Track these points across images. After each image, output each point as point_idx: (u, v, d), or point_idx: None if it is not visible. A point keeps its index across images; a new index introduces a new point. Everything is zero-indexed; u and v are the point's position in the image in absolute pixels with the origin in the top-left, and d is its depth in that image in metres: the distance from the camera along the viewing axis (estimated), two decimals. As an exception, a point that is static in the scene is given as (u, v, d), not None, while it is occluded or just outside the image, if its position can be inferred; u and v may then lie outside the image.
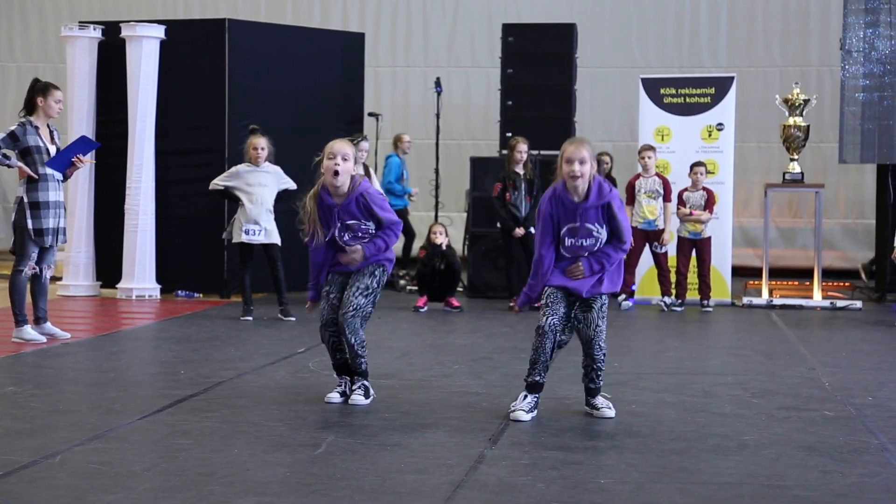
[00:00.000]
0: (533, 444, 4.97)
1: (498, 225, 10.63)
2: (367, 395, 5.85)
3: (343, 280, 5.91)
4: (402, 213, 12.17)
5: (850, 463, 4.69)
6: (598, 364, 5.59)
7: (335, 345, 5.88)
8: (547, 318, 5.49)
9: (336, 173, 5.78)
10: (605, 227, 5.52)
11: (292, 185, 9.49)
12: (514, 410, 5.50)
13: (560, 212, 5.51)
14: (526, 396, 5.54)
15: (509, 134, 11.70)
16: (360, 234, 5.86)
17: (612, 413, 5.56)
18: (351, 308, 5.77)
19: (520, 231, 10.38)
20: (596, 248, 5.52)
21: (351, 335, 5.76)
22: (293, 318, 9.27)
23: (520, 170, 10.45)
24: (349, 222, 5.84)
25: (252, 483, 4.26)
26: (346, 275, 5.90)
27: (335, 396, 5.88)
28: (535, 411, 5.53)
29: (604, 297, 5.59)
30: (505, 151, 11.71)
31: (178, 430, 5.15)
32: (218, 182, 9.52)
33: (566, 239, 5.52)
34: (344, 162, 5.80)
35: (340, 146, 5.85)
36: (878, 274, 11.97)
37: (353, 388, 5.89)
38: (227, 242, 9.76)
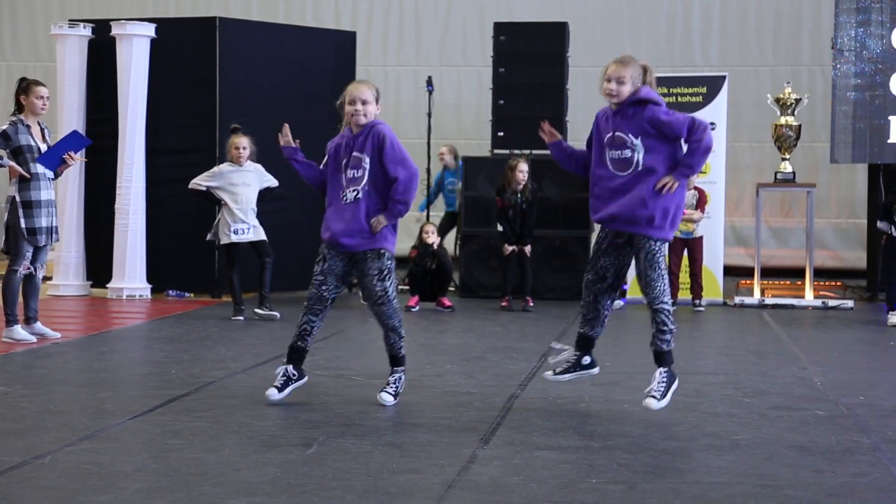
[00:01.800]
0: (525, 443, 4.96)
1: (500, 228, 10.62)
2: (395, 395, 5.81)
3: (341, 267, 5.77)
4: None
5: (841, 462, 4.69)
6: (658, 323, 5.52)
7: (306, 328, 5.78)
8: (585, 273, 5.65)
9: (358, 121, 5.68)
10: (649, 139, 5.45)
11: (274, 183, 9.49)
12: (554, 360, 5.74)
13: (602, 123, 5.56)
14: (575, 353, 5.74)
15: (501, 133, 11.70)
16: (357, 174, 5.69)
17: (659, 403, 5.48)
18: (377, 296, 5.72)
19: (508, 248, 10.41)
20: (635, 162, 5.44)
21: (390, 318, 5.73)
22: (276, 315, 9.24)
23: (518, 189, 10.41)
24: (355, 153, 5.71)
25: (243, 483, 4.25)
26: (345, 260, 5.77)
27: (274, 393, 5.75)
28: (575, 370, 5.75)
29: (651, 242, 5.45)
30: (497, 151, 11.72)
31: (168, 431, 5.13)
32: (199, 182, 9.45)
33: (606, 150, 5.52)
34: (364, 105, 5.68)
35: (359, 89, 5.70)
36: (869, 273, 11.99)
37: (390, 381, 5.83)
38: (217, 243, 9.72)
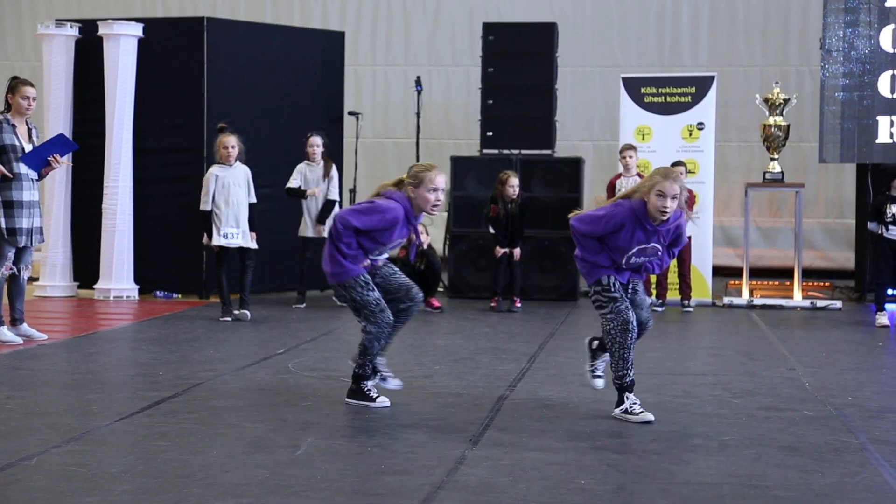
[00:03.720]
0: (514, 444, 4.95)
1: (491, 229, 10.62)
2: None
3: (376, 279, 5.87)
4: None
5: (830, 463, 4.69)
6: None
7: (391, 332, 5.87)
8: (629, 311, 5.53)
9: (435, 210, 5.73)
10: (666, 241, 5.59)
11: (253, 199, 9.45)
12: (640, 412, 5.50)
13: (635, 231, 5.47)
14: (629, 397, 5.56)
15: (490, 133, 11.69)
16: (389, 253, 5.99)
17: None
18: (414, 287, 5.90)
19: (499, 251, 10.44)
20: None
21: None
22: (247, 314, 9.26)
23: (509, 201, 10.42)
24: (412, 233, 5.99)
25: (231, 485, 4.23)
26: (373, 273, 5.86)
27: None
28: None
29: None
30: (486, 151, 11.72)
31: (156, 432, 5.10)
32: (205, 202, 9.34)
33: (632, 258, 5.54)
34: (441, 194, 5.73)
35: (443, 178, 5.71)
36: (858, 273, 12.02)
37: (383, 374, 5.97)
38: (207, 246, 9.69)
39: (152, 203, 11.09)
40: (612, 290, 5.55)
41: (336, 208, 10.36)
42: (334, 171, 10.49)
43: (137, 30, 10.96)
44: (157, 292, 11.05)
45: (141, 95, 10.93)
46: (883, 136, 11.22)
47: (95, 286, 10.88)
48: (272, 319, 9.47)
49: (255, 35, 11.62)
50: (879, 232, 9.73)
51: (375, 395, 5.80)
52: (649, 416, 5.45)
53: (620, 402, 5.54)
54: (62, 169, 9.88)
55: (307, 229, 10.41)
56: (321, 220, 10.33)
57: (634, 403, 5.51)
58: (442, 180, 5.69)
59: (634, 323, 5.53)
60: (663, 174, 5.46)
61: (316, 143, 10.43)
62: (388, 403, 5.76)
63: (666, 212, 5.41)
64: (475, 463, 4.62)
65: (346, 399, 5.84)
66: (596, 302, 5.59)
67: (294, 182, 10.34)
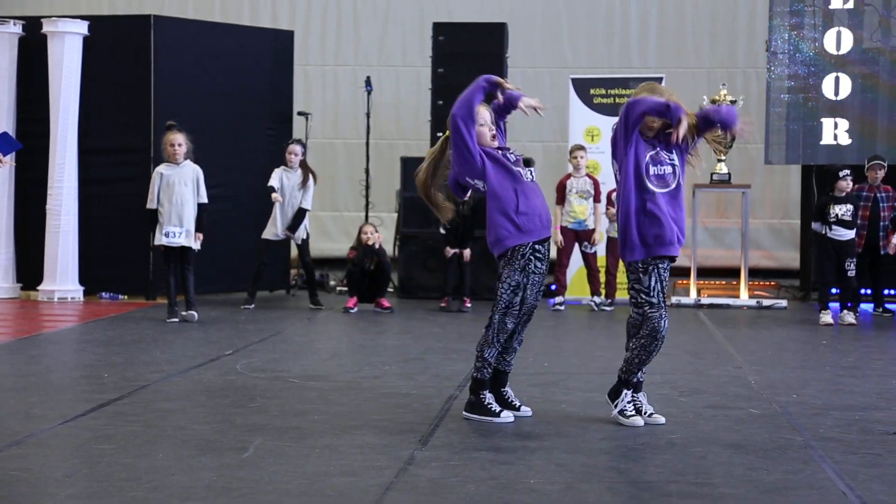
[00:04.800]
0: (463, 444, 4.95)
1: (442, 230, 10.61)
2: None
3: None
4: None
5: (774, 460, 4.73)
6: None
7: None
8: (666, 320, 5.38)
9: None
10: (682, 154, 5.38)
11: (203, 199, 9.37)
12: (651, 415, 5.40)
13: (639, 145, 5.32)
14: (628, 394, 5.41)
15: (440, 134, 11.66)
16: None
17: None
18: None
19: (449, 251, 10.41)
20: (676, 179, 5.34)
21: None
22: (194, 315, 9.18)
23: (461, 202, 10.42)
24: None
25: (177, 488, 4.18)
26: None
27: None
28: None
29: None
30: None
31: (100, 435, 5.04)
32: (152, 199, 9.27)
33: (650, 167, 5.31)
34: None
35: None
36: (802, 273, 12.17)
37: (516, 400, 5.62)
38: (151, 244, 9.61)
39: (98, 203, 10.96)
40: (651, 293, 5.42)
41: (306, 219, 10.42)
42: (311, 182, 10.51)
43: (83, 27, 10.83)
44: (103, 294, 10.93)
45: (86, 94, 10.80)
46: (827, 138, 11.37)
47: (39, 287, 10.74)
48: (220, 321, 9.39)
49: (204, 34, 11.53)
50: (823, 232, 9.86)
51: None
52: (639, 422, 5.37)
53: (617, 395, 5.44)
54: (5, 169, 9.74)
55: (272, 232, 10.42)
56: (292, 228, 10.37)
57: (629, 403, 5.42)
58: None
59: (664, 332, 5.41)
60: (646, 88, 5.42)
61: (295, 151, 10.52)
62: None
63: (653, 127, 5.34)
64: (424, 463, 4.61)
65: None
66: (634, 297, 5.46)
67: (272, 182, 10.40)
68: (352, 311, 10.11)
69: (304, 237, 10.57)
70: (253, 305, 10.33)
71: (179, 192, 9.24)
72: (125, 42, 11.03)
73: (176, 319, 9.17)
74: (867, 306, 10.55)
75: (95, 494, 4.09)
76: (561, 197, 10.77)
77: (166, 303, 9.44)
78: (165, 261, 9.36)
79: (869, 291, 10.56)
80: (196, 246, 9.31)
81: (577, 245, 10.81)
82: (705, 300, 11.20)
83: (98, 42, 10.88)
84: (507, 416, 5.42)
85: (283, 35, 12.35)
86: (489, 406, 5.43)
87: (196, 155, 9.51)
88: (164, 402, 5.81)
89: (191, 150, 9.37)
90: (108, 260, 10.96)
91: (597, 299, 10.73)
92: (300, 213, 10.43)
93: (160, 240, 9.22)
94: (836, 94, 11.33)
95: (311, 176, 10.51)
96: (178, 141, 9.30)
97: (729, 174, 11.57)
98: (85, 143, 10.86)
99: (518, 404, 5.54)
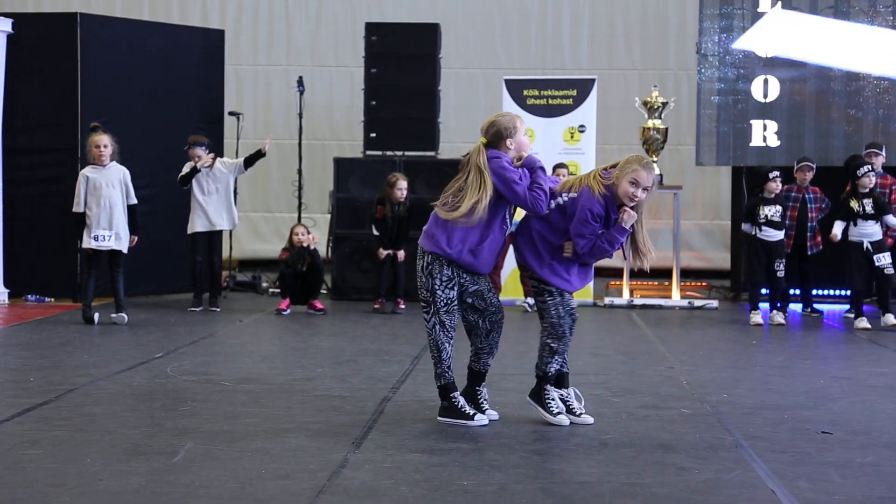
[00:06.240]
0: (397, 447, 4.92)
1: (375, 231, 10.57)
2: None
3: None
4: None
5: (705, 460, 4.78)
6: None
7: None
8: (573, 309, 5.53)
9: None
10: None
11: (133, 200, 9.22)
12: (581, 415, 5.44)
13: (607, 217, 5.41)
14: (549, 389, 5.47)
15: (373, 134, 11.64)
16: None
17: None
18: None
19: (383, 252, 10.39)
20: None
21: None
22: (124, 317, 9.04)
23: (396, 203, 10.40)
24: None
25: (105, 494, 4.11)
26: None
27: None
28: None
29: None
30: (369, 153, 11.67)
31: (26, 440, 4.93)
32: (78, 203, 9.09)
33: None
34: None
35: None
36: (733, 273, 12.33)
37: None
38: (78, 246, 9.43)
39: (23, 204, 10.75)
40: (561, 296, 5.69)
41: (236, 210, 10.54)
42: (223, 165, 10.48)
43: (6, 25, 10.61)
44: (29, 296, 10.72)
45: (10, 93, 10.59)
46: (756, 140, 11.53)
47: (-37, 290, 10.50)
48: (150, 323, 9.26)
49: (132, 32, 11.36)
50: (753, 233, 9.99)
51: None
52: (564, 421, 5.39)
53: (538, 395, 5.48)
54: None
55: (196, 225, 10.22)
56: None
57: (552, 400, 5.45)
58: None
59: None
60: (642, 164, 5.39)
61: (198, 154, 10.30)
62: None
63: (635, 200, 5.39)
64: (357, 466, 4.58)
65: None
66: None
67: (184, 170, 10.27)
68: (285, 312, 10.03)
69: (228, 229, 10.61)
70: (201, 308, 10.15)
71: (107, 194, 9.09)
72: (51, 40, 10.82)
73: (94, 324, 8.95)
74: (796, 307, 10.71)
75: (21, 500, 4.00)
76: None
77: (81, 305, 9.24)
78: (88, 263, 9.20)
79: (798, 292, 10.71)
80: (124, 248, 9.16)
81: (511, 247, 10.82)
82: (638, 301, 11.29)
83: (23, 40, 10.67)
84: (480, 419, 5.42)
85: (214, 34, 12.22)
86: (462, 409, 5.44)
87: (123, 156, 9.37)
88: (93, 406, 5.71)
89: (116, 152, 9.22)
90: (34, 262, 10.75)
91: (530, 300, 10.76)
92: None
93: (89, 243, 9.06)
94: (766, 96, 11.49)
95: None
96: (104, 142, 9.14)
97: (661, 175, 11.66)
98: (9, 142, 10.64)
99: (486, 408, 5.54)
